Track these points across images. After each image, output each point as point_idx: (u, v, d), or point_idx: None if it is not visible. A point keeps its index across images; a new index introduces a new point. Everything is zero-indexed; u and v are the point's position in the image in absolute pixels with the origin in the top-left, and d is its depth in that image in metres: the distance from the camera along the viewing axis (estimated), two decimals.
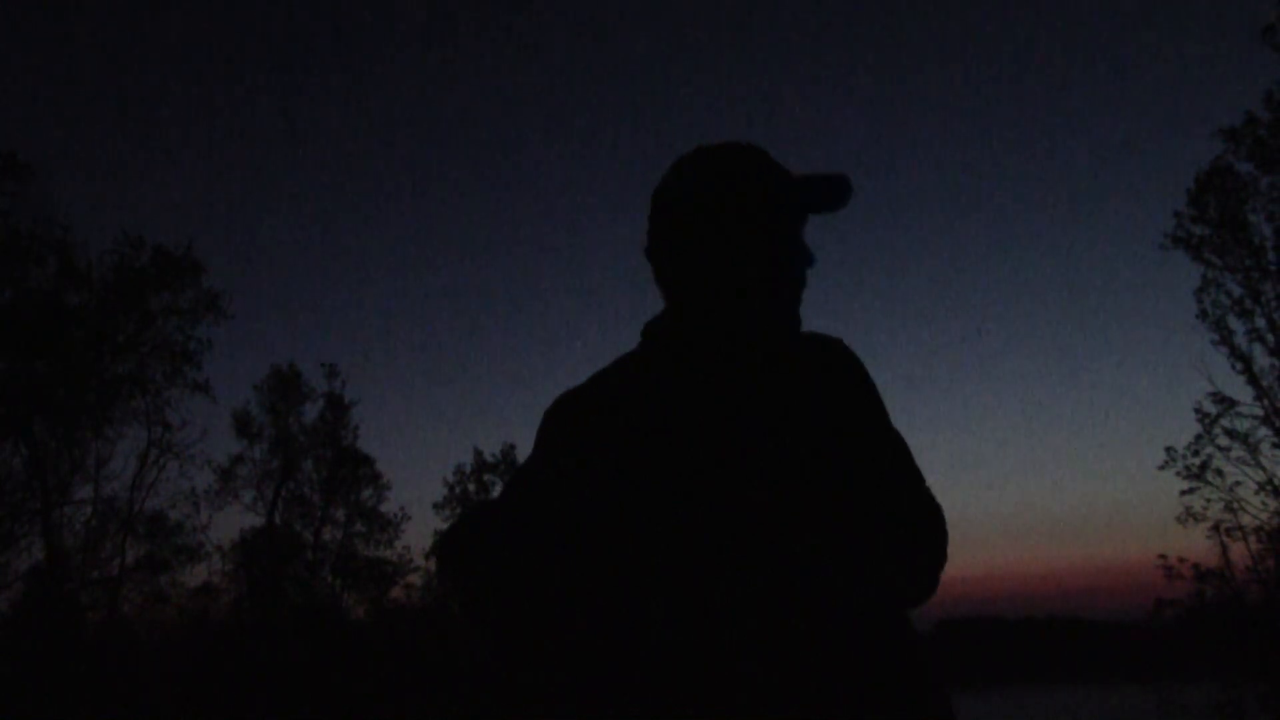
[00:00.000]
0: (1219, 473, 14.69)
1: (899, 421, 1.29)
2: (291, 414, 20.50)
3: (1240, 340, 14.04)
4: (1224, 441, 14.51)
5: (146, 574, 17.24)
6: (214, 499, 18.81)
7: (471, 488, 21.95)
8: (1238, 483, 14.64)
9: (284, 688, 17.56)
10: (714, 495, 1.14)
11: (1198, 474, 14.78)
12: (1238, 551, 15.42)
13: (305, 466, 20.36)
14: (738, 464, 1.16)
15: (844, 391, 1.26)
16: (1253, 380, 14.03)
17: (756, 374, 1.24)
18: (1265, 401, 14.05)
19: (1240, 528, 14.94)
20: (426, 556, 20.34)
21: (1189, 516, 14.99)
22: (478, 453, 22.23)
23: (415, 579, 20.85)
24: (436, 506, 21.97)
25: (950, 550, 1.28)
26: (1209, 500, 14.84)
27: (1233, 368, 14.15)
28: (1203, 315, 14.27)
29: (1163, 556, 15.85)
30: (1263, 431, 14.19)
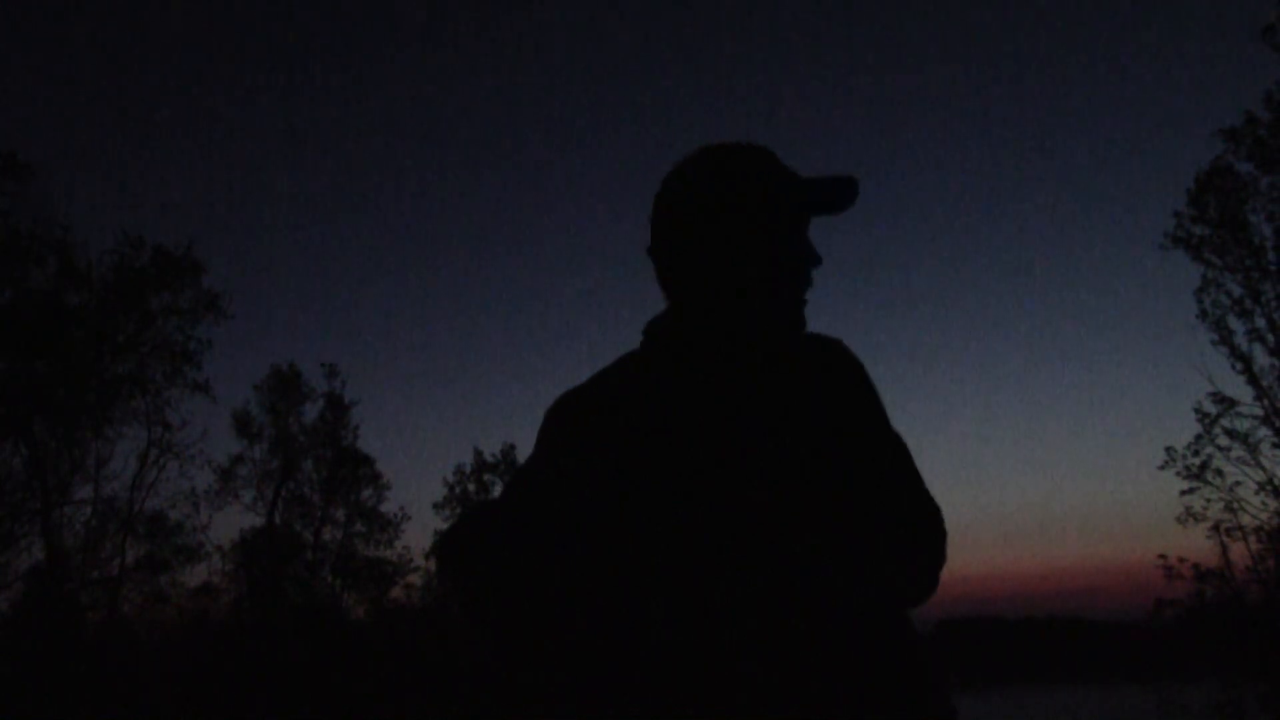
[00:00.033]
0: (1219, 473, 14.70)
1: (899, 422, 1.29)
2: (291, 414, 20.52)
3: (1240, 340, 14.05)
4: (1224, 441, 14.52)
5: (146, 574, 17.25)
6: (214, 499, 18.83)
7: (471, 488, 21.96)
8: (1238, 483, 14.65)
9: (284, 688, 17.56)
10: (714, 495, 1.14)
11: (1198, 474, 14.78)
12: (1238, 551, 15.43)
13: (305, 466, 20.39)
14: (737, 464, 1.16)
15: (844, 392, 1.26)
16: (1253, 380, 14.04)
17: (756, 374, 1.24)
18: (1265, 401, 14.06)
19: (1240, 528, 14.95)
20: (426, 556, 20.37)
21: (1189, 516, 15.00)
22: (478, 453, 22.26)
23: (415, 579, 20.88)
24: (436, 506, 21.99)
25: (950, 551, 1.29)
26: (1209, 500, 14.85)
27: (1233, 368, 14.16)
28: (1203, 315, 14.27)
29: (1163, 556, 15.86)
30: (1263, 431, 14.21)
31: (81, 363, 15.24)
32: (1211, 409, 14.49)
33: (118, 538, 16.47)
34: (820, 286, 1.31)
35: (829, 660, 1.11)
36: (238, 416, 20.00)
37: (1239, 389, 14.61)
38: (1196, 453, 14.76)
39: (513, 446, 22.05)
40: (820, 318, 1.32)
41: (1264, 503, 14.62)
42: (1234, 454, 14.49)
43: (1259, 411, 14.13)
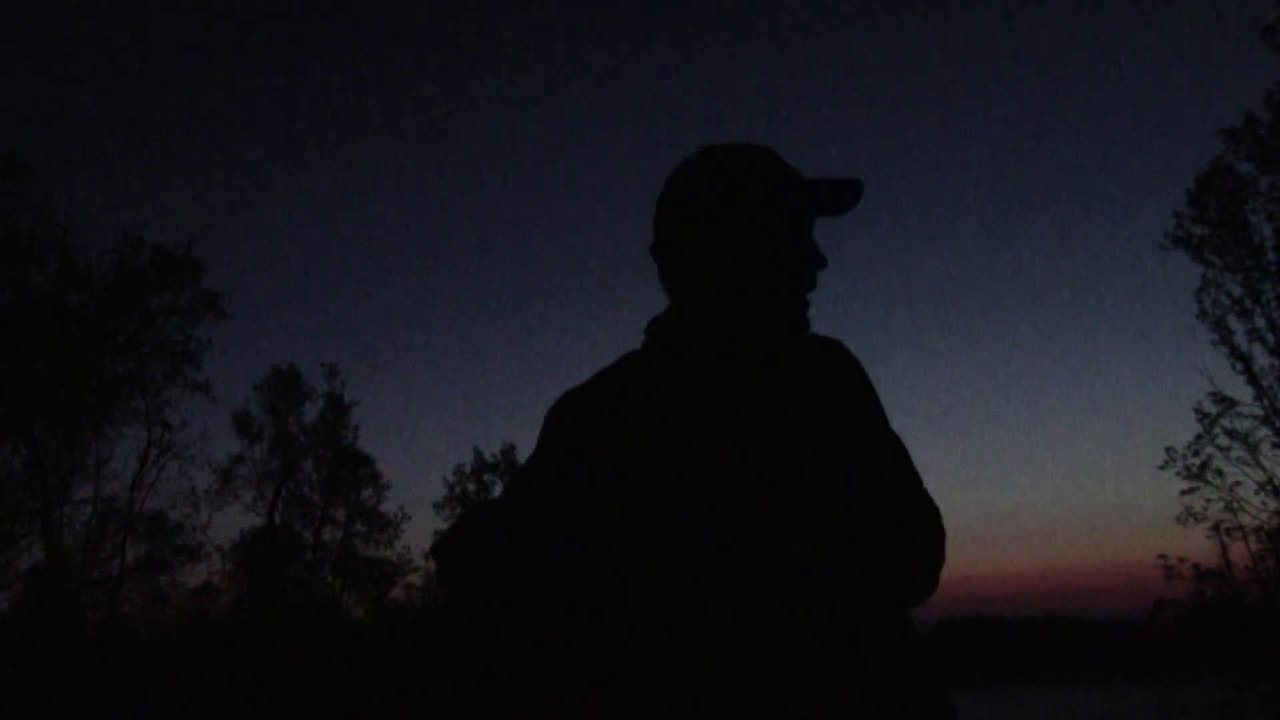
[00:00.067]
0: (1219, 473, 14.71)
1: (899, 421, 1.30)
2: (291, 414, 20.53)
3: (1240, 340, 14.05)
4: (1224, 441, 14.52)
5: (146, 574, 17.27)
6: (214, 499, 18.85)
7: (471, 488, 21.96)
8: (1238, 483, 14.65)
9: (284, 688, 17.56)
10: (714, 495, 1.15)
11: (1198, 474, 14.79)
12: (1238, 551, 15.43)
13: (305, 466, 20.40)
14: (737, 464, 1.16)
15: (843, 393, 1.27)
16: (1253, 380, 14.04)
17: (756, 375, 1.24)
18: (1265, 401, 14.06)
19: (1240, 528, 14.95)
20: (426, 556, 20.36)
21: (1189, 516, 15.00)
22: (478, 453, 22.28)
23: (415, 579, 20.90)
24: (436, 506, 22.01)
25: (950, 551, 1.29)
26: (1209, 500, 14.85)
27: (1233, 368, 14.16)
28: (1203, 315, 14.28)
29: (1163, 556, 15.86)
30: (1263, 431, 14.21)
31: (81, 363, 15.25)
32: (1211, 409, 14.51)
33: (118, 538, 16.50)
34: (820, 286, 1.31)
35: (829, 660, 1.11)
36: (238, 416, 20.04)
37: (1239, 389, 14.63)
38: (1196, 453, 14.78)
39: (513, 446, 22.09)
40: (819, 317, 1.32)
41: (1264, 503, 14.64)
42: (1234, 454, 14.51)
43: (1259, 411, 14.15)
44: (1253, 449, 14.31)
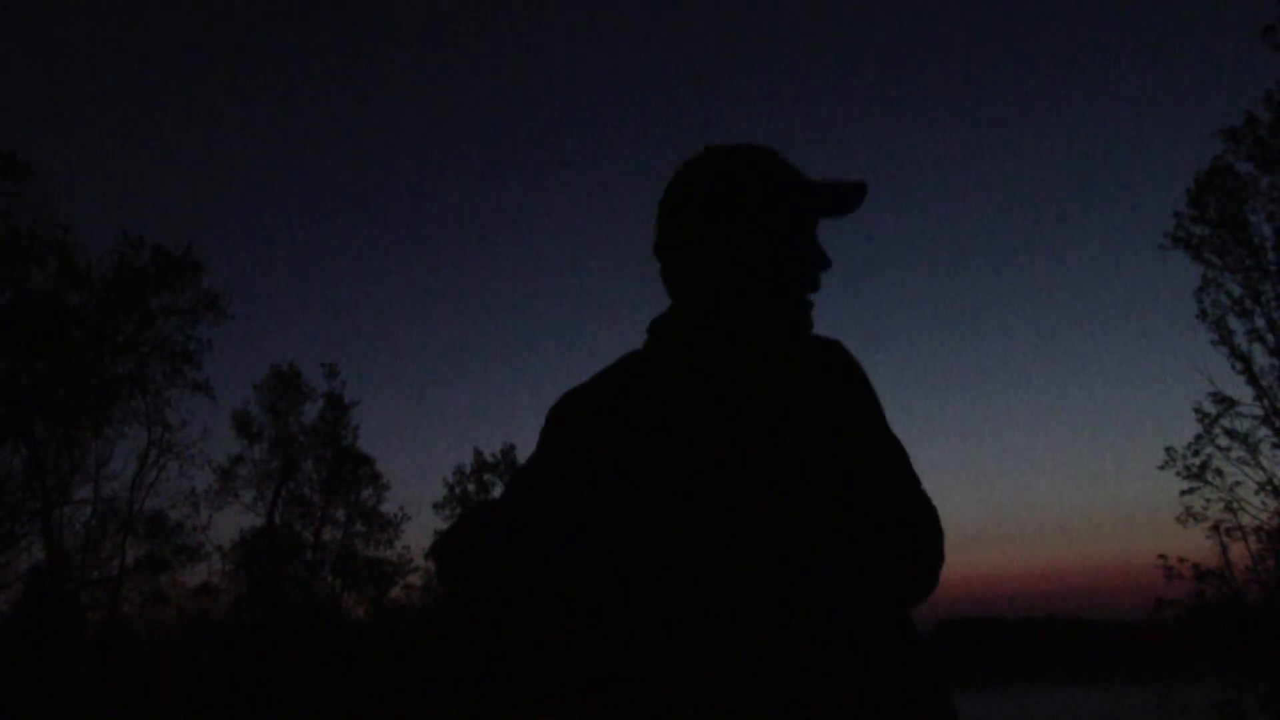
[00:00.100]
0: (1219, 473, 14.69)
1: (899, 422, 1.30)
2: (291, 414, 20.52)
3: (1240, 340, 14.04)
4: (1224, 441, 14.51)
5: (146, 574, 17.26)
6: (214, 499, 18.85)
7: (471, 488, 21.96)
8: (1238, 483, 14.64)
9: (284, 688, 17.56)
10: (714, 495, 1.15)
11: (1198, 474, 14.78)
12: (1238, 551, 15.42)
13: (305, 466, 20.38)
14: (737, 465, 1.16)
15: (843, 393, 1.27)
16: (1253, 380, 14.03)
17: (756, 375, 1.24)
18: (1265, 401, 14.06)
19: (1240, 528, 14.94)
20: (426, 556, 20.36)
21: (1189, 516, 14.99)
22: (478, 453, 22.26)
23: (415, 579, 20.88)
24: (436, 506, 21.99)
25: (950, 551, 1.29)
26: (1209, 500, 14.84)
27: (1233, 368, 14.15)
28: (1203, 315, 14.26)
29: (1163, 556, 15.85)
30: (1263, 431, 14.20)
31: (81, 363, 15.24)
32: (1211, 409, 14.50)
33: (118, 538, 16.49)
34: (822, 286, 1.31)
35: (829, 660, 1.11)
36: (238, 416, 20.03)
37: (1239, 389, 14.61)
38: (1196, 453, 14.77)
39: (513, 446, 22.07)
40: (819, 317, 1.32)
41: (1264, 503, 14.63)
42: (1234, 454, 14.50)
43: (1259, 411, 14.14)
44: (1253, 449, 14.32)
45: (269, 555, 19.31)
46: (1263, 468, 14.36)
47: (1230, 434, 14.41)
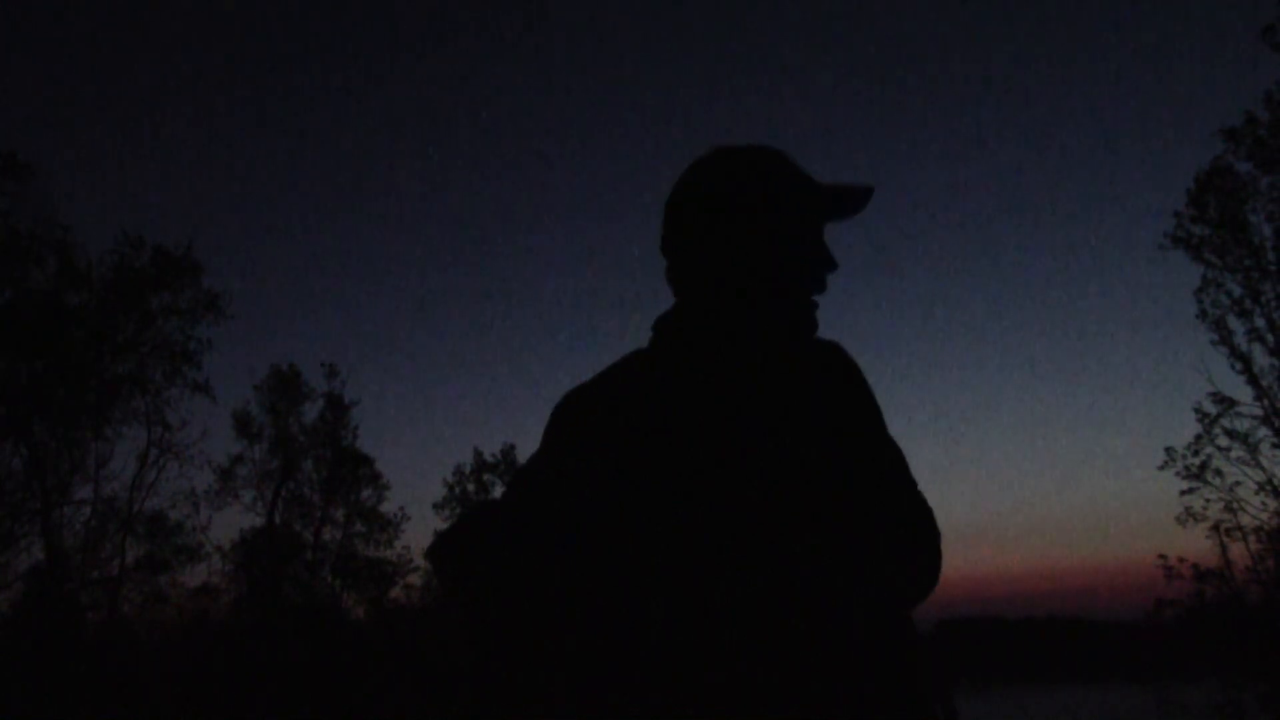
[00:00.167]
0: (1219, 473, 14.72)
1: (898, 422, 1.30)
2: (291, 414, 20.53)
3: (1240, 340, 14.06)
4: (1224, 441, 14.53)
5: (146, 574, 17.26)
6: (214, 499, 18.86)
7: (471, 488, 21.97)
8: (1237, 483, 14.66)
9: (284, 688, 17.56)
10: (714, 495, 1.15)
11: (1198, 474, 14.80)
12: (1237, 551, 15.44)
13: (305, 466, 20.39)
14: (737, 465, 1.16)
15: (842, 395, 1.27)
16: (1253, 380, 14.04)
17: (756, 375, 1.24)
18: (1265, 401, 14.07)
19: (1240, 528, 14.96)
20: (425, 557, 20.33)
21: (1189, 516, 15.01)
22: (478, 453, 22.29)
23: (415, 579, 20.90)
24: (436, 506, 22.02)
25: (951, 551, 1.30)
26: (1209, 500, 14.86)
27: (1233, 368, 14.17)
28: (1203, 315, 14.28)
29: (1163, 556, 15.87)
30: (1263, 431, 14.21)
31: (81, 363, 15.25)
32: (1211, 409, 14.52)
33: (117, 538, 16.48)
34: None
35: (829, 660, 1.11)
36: (238, 416, 20.04)
37: (1239, 389, 14.64)
38: (1196, 453, 14.79)
39: (513, 446, 22.10)
40: (822, 316, 1.32)
41: (1264, 503, 14.65)
42: (1234, 454, 14.52)
43: (1259, 411, 14.15)
44: (1252, 449, 14.33)
45: (269, 555, 19.32)
46: (1262, 468, 14.39)
47: (1230, 434, 14.45)
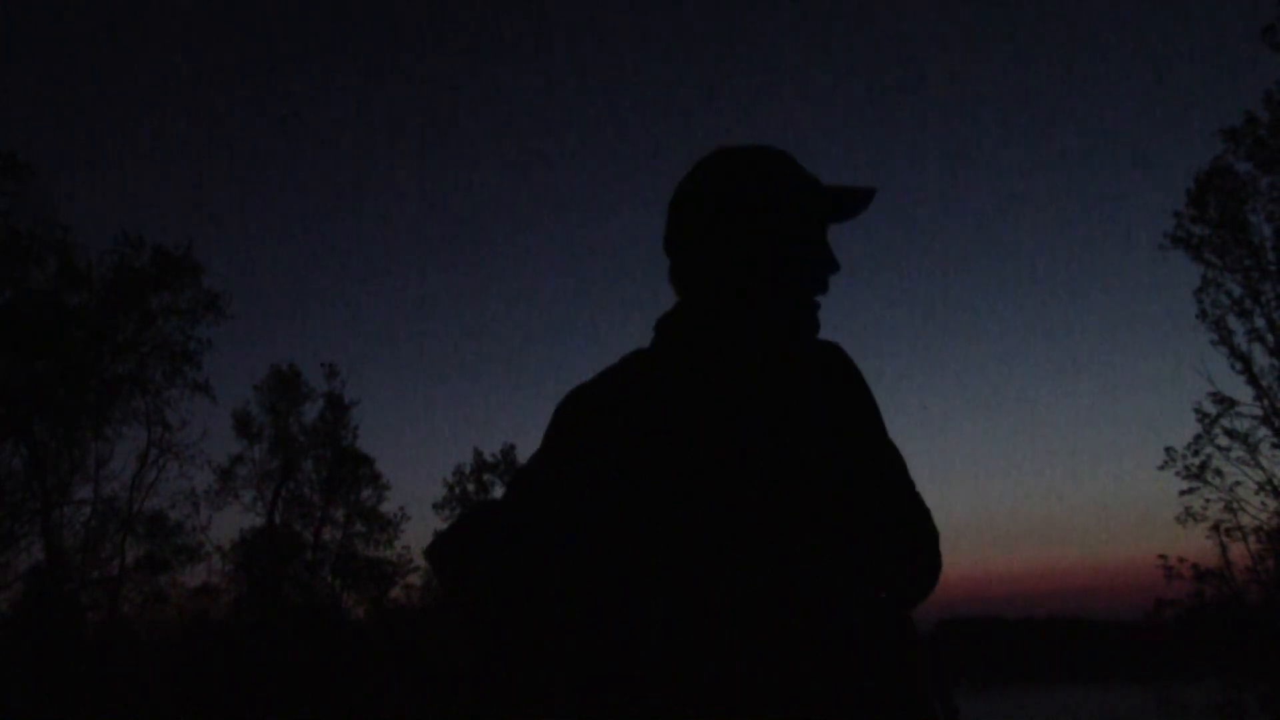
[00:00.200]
0: (1219, 473, 14.72)
1: (898, 422, 1.31)
2: (291, 414, 20.53)
3: (1240, 340, 14.06)
4: (1224, 441, 14.54)
5: (146, 574, 17.26)
6: (214, 499, 18.86)
7: (471, 488, 21.97)
8: (1237, 483, 14.66)
9: (284, 688, 17.56)
10: (714, 496, 1.15)
11: (1197, 474, 14.80)
12: (1237, 551, 15.44)
13: (305, 466, 20.39)
14: (738, 465, 1.16)
15: (842, 396, 1.28)
16: (1253, 380, 14.04)
17: (757, 375, 1.24)
18: (1265, 401, 14.07)
19: (1240, 528, 14.96)
20: (424, 557, 20.32)
21: (1189, 516, 15.01)
22: (478, 453, 22.29)
23: (415, 579, 20.90)
24: (436, 506, 22.02)
25: (951, 551, 1.31)
26: (1209, 500, 14.87)
27: (1232, 368, 14.17)
28: (1203, 315, 14.29)
29: (1163, 556, 15.88)
30: (1262, 431, 14.22)
31: (81, 363, 15.25)
32: (1211, 409, 14.53)
33: (117, 538, 16.48)
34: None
35: (829, 660, 1.11)
36: (238, 416, 20.04)
37: (1239, 389, 14.63)
38: (1196, 453, 14.79)
39: (513, 446, 22.09)
40: (821, 317, 1.32)
41: (1263, 503, 14.65)
42: (1234, 454, 14.52)
43: (1259, 411, 14.15)
44: (1252, 449, 14.33)
45: (269, 555, 19.31)
46: (1262, 468, 14.39)
47: (1230, 434, 14.45)
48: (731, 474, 1.16)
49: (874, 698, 1.12)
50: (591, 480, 1.19)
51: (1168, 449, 15.04)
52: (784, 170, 1.29)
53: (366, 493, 20.76)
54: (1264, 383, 14.00)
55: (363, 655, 18.97)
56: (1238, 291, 14.13)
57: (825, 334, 1.33)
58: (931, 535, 1.28)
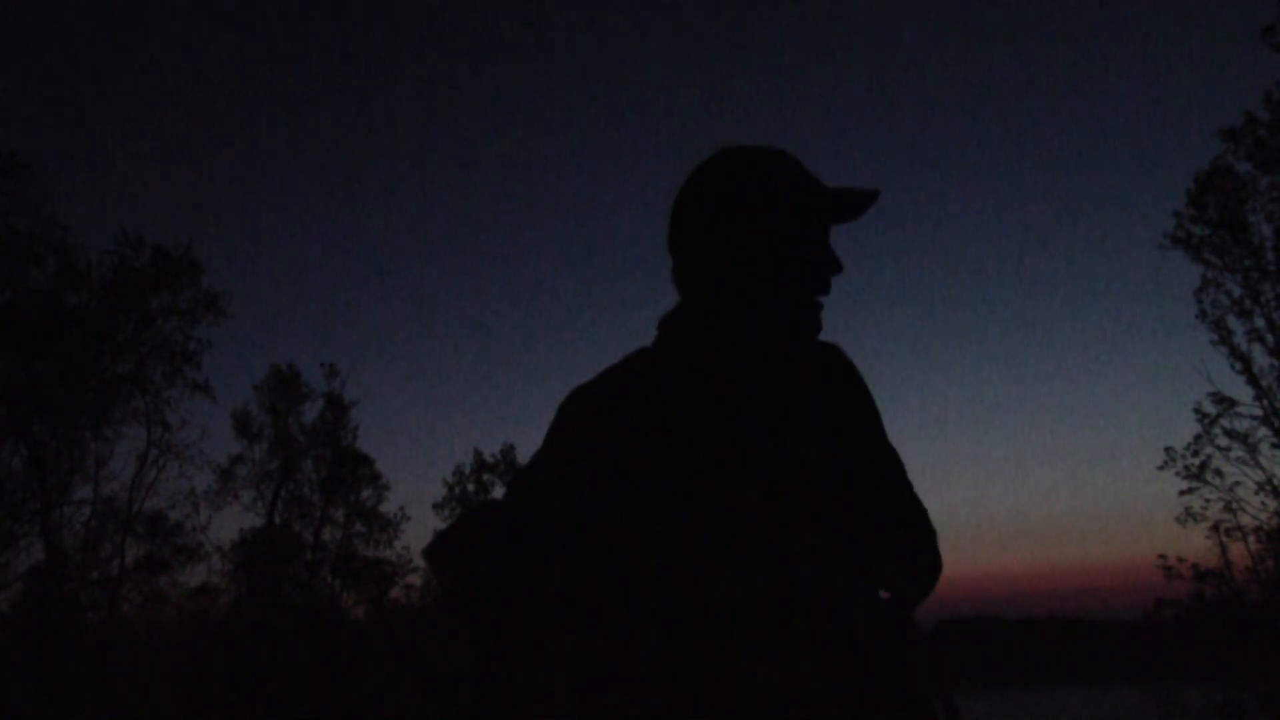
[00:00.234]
0: (1218, 473, 14.72)
1: (898, 423, 1.31)
2: (291, 414, 20.53)
3: (1240, 340, 14.06)
4: (1223, 441, 14.54)
5: (146, 574, 17.27)
6: (214, 499, 18.86)
7: (471, 488, 21.96)
8: (1237, 483, 14.66)
9: (284, 688, 17.56)
10: (715, 496, 1.15)
11: (1197, 474, 14.80)
12: (1237, 551, 15.46)
13: (305, 466, 20.39)
14: (738, 465, 1.16)
15: (842, 396, 1.28)
16: (1252, 380, 14.04)
17: (758, 376, 1.24)
18: (1265, 401, 14.06)
19: (1240, 528, 14.96)
20: (424, 557, 20.30)
21: (1189, 516, 15.01)
22: (478, 453, 22.27)
23: (415, 579, 20.91)
24: (436, 506, 22.01)
25: (951, 551, 1.31)
26: (1208, 500, 14.87)
27: (1232, 368, 14.17)
28: (1202, 315, 14.28)
29: (1162, 556, 15.88)
30: (1262, 431, 14.21)
31: (81, 363, 15.24)
32: (1211, 409, 14.53)
33: (117, 538, 16.48)
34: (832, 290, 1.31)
35: (830, 660, 1.11)
36: (238, 416, 20.04)
37: (1239, 389, 14.65)
38: (1196, 453, 14.79)
39: (513, 446, 22.08)
40: (823, 318, 1.32)
41: (1263, 503, 14.65)
42: (1233, 454, 14.52)
43: (1259, 411, 14.15)
44: (1252, 449, 14.33)
45: (269, 555, 19.31)
46: (1262, 468, 14.39)
47: (1230, 434, 14.45)
48: (732, 474, 1.16)
49: (874, 698, 1.12)
50: (592, 480, 1.19)
51: (1168, 449, 15.07)
52: (787, 171, 1.29)
53: (366, 493, 20.78)
54: (1264, 383, 14.01)
55: (363, 655, 18.98)
56: (1238, 291, 14.14)
57: (825, 334, 1.33)
58: (930, 535, 1.28)
